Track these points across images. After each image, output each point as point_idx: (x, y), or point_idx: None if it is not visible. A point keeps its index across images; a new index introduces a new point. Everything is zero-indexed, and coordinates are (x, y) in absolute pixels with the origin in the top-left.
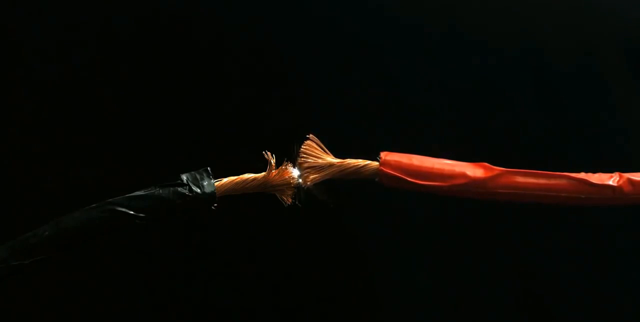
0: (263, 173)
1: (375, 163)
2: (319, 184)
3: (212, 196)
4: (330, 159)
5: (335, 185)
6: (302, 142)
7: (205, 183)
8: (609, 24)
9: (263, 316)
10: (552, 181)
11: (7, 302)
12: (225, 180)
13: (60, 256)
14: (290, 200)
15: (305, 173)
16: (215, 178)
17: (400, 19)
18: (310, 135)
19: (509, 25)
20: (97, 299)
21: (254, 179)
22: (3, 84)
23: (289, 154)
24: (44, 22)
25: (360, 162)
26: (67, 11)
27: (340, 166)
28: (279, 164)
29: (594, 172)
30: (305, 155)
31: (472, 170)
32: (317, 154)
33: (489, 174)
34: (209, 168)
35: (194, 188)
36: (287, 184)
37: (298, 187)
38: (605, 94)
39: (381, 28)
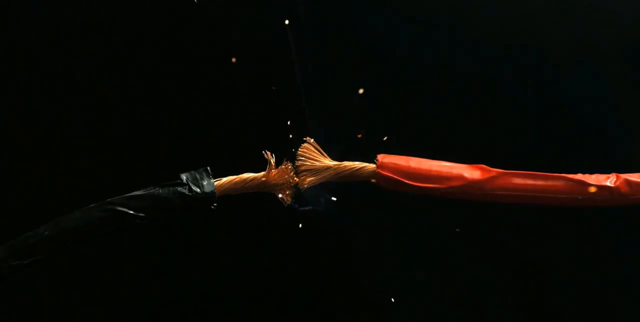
0: (262, 173)
1: (372, 165)
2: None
3: (211, 196)
4: (328, 161)
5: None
6: (299, 145)
7: (204, 183)
8: (609, 24)
9: (260, 316)
10: (550, 182)
11: (7, 302)
12: (224, 179)
13: (60, 256)
14: (289, 199)
15: (303, 176)
16: (214, 178)
17: (398, 20)
18: (307, 138)
19: (509, 25)
20: (96, 299)
21: (254, 178)
22: (3, 83)
23: (288, 155)
24: (43, 21)
25: (357, 164)
26: (67, 11)
27: (337, 168)
28: (278, 164)
29: (591, 173)
30: (302, 158)
31: (470, 172)
32: (315, 157)
33: (486, 175)
34: (208, 168)
35: (194, 188)
36: (287, 183)
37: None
38: (604, 94)
39: (379, 29)
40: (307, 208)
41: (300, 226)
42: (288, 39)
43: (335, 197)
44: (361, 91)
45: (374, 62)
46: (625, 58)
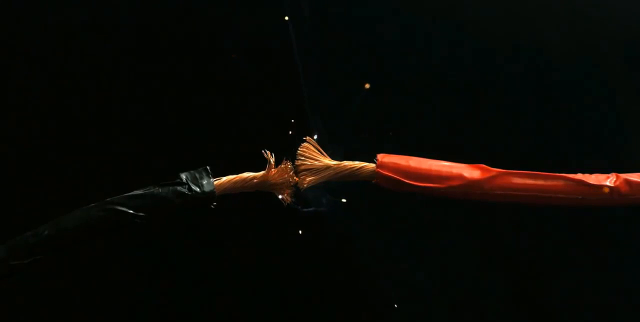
0: (262, 172)
1: (372, 165)
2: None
3: (211, 195)
4: (327, 161)
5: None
6: (299, 145)
7: (204, 182)
8: (609, 24)
9: (260, 316)
10: (549, 182)
11: (7, 302)
12: (224, 179)
13: (59, 256)
14: (289, 199)
15: (303, 175)
16: (214, 177)
17: (398, 20)
18: (307, 137)
19: (509, 26)
20: (96, 299)
21: (253, 178)
22: (3, 83)
23: (288, 154)
24: (43, 21)
25: (357, 164)
26: (66, 10)
27: (336, 168)
28: (278, 163)
29: (591, 173)
30: (302, 158)
31: (469, 171)
32: (314, 156)
33: (486, 175)
34: (208, 167)
35: (193, 187)
36: (286, 183)
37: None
38: (604, 94)
39: (380, 29)
40: (309, 209)
41: (300, 232)
42: (290, 36)
43: (337, 198)
44: (367, 86)
45: (375, 61)
46: (625, 58)
